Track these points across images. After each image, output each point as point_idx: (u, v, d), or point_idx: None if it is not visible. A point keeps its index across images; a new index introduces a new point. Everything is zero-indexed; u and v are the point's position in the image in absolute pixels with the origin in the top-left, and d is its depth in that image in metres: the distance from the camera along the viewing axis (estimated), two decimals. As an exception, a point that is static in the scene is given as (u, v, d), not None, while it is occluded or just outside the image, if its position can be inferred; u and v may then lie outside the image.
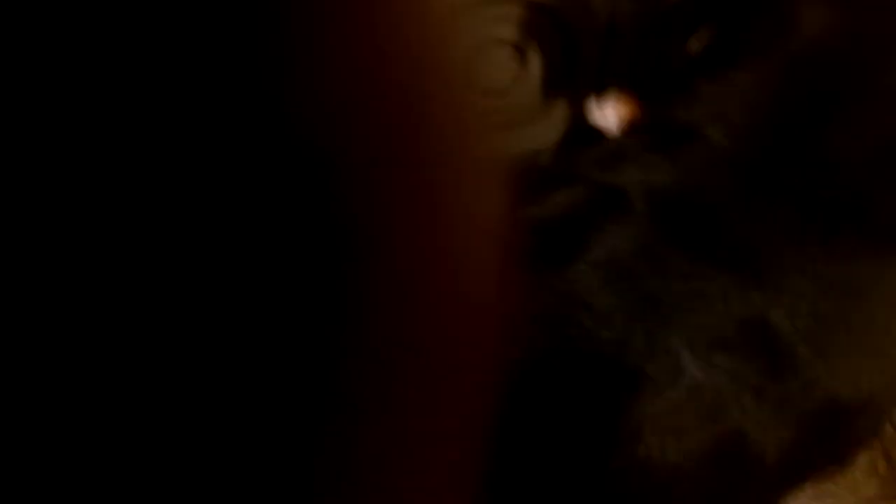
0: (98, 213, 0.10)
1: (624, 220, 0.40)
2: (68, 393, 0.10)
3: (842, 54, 0.41)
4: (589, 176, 0.42)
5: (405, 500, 0.13)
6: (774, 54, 0.41)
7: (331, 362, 0.11)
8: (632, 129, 0.47)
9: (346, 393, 0.12)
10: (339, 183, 0.11)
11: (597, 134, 0.50)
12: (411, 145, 0.12)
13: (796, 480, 0.44)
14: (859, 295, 0.40)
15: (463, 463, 0.14)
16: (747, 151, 0.40)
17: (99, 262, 0.10)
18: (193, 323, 0.10)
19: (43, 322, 0.10)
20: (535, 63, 0.56)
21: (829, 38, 0.42)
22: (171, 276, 0.10)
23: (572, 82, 0.52)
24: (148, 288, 0.10)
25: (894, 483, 0.64)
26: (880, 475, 0.64)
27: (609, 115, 0.51)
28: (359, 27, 0.11)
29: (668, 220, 0.39)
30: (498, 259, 0.13)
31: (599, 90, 0.51)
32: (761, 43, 0.42)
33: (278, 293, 0.11)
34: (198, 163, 0.10)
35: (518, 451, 0.35)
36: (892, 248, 0.41)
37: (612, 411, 0.35)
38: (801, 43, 0.41)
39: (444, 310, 0.13)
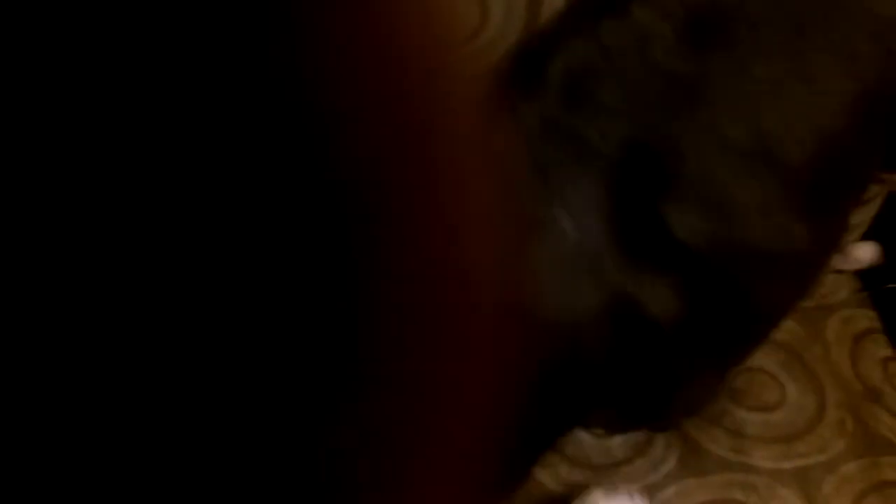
0: (107, 206, 0.09)
1: (538, 96, 0.41)
2: (74, 393, 0.10)
3: None
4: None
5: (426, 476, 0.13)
6: None
7: (345, 345, 0.11)
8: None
9: (360, 372, 0.11)
10: (351, 172, 0.11)
11: None
12: (420, 134, 0.12)
13: (700, 349, 0.43)
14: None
15: (476, 442, 0.14)
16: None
17: (107, 257, 0.10)
18: (208, 315, 0.10)
19: (50, 321, 0.09)
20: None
21: None
22: (182, 269, 0.10)
23: None
24: (160, 282, 0.10)
25: (862, 440, 0.64)
26: (848, 433, 0.64)
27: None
28: (367, 21, 0.11)
29: (570, 95, 0.40)
30: (496, 236, 0.13)
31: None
32: None
33: (289, 286, 0.11)
34: (208, 155, 0.10)
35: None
36: None
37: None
38: None
39: (454, 298, 0.13)
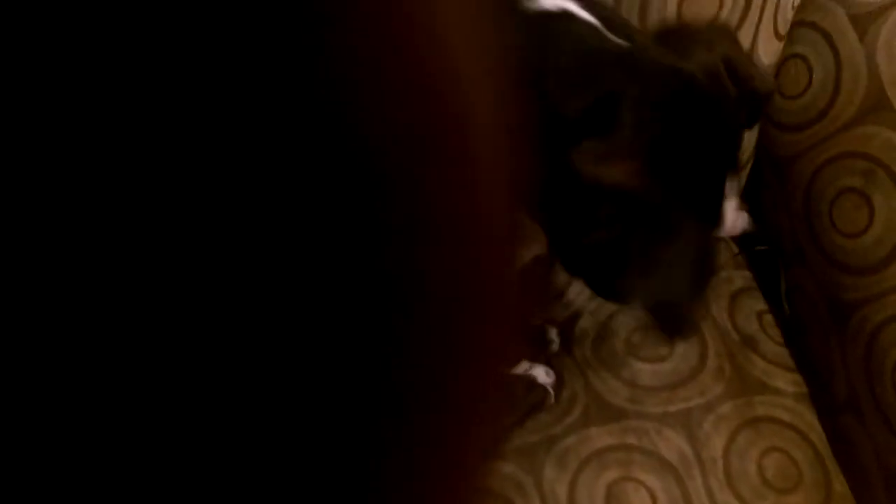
0: (115, 206, 0.09)
1: None
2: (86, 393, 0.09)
3: None
4: None
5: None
6: None
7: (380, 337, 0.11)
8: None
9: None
10: (379, 171, 0.10)
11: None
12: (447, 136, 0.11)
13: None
14: None
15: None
16: None
17: (112, 258, 0.09)
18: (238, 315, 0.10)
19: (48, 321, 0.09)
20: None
21: None
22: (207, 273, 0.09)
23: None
24: (191, 284, 0.09)
25: (739, 383, 0.74)
26: (727, 377, 0.74)
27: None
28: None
29: None
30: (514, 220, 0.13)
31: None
32: None
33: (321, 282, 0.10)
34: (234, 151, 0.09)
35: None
36: None
37: None
38: None
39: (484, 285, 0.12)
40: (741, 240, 0.81)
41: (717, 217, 0.55)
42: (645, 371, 0.72)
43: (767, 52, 0.73)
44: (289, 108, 0.10)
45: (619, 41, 0.49)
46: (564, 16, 0.48)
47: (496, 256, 0.13)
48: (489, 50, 0.13)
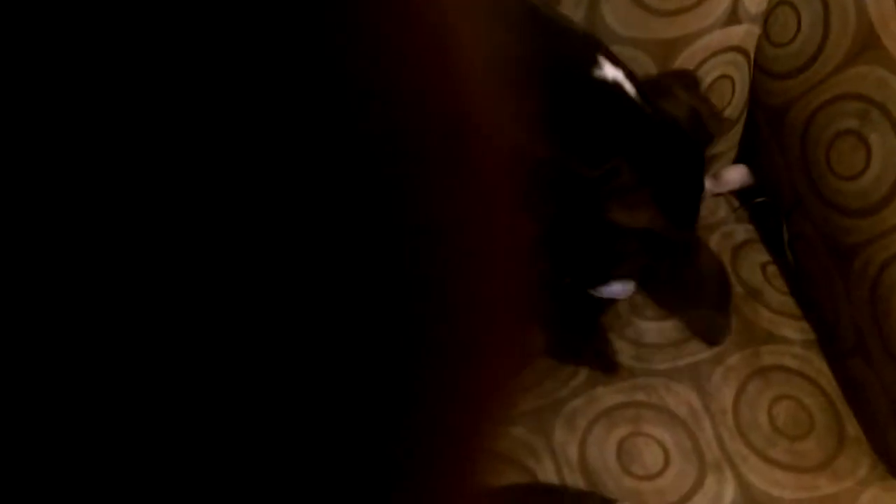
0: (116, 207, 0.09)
1: None
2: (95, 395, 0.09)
3: None
4: None
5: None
6: None
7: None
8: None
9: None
10: (394, 167, 0.11)
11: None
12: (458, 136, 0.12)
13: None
14: None
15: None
16: None
17: (118, 258, 0.09)
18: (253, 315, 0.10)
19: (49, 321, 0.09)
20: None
21: None
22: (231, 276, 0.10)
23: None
24: (206, 290, 0.09)
25: (745, 334, 0.74)
26: (733, 329, 0.74)
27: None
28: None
29: None
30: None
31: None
32: None
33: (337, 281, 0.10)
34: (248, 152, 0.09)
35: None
36: None
37: None
38: None
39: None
40: (741, 193, 0.81)
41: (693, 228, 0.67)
42: (650, 329, 0.73)
43: (754, 1, 0.72)
44: (297, 115, 0.10)
45: (640, 103, 0.61)
46: (615, 85, 0.60)
47: (503, 255, 0.13)
48: (497, 66, 0.13)
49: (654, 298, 0.70)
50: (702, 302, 0.70)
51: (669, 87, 0.65)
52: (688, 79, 0.68)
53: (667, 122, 0.62)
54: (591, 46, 0.61)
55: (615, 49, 0.70)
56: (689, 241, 0.64)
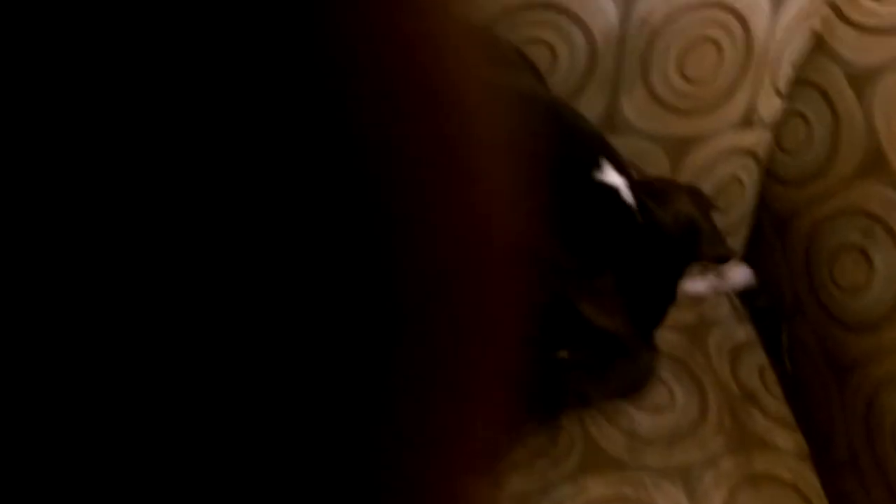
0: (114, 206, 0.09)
1: None
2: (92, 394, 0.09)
3: None
4: None
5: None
6: None
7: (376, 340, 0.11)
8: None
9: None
10: (375, 162, 0.11)
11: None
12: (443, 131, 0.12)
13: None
14: None
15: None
16: None
17: (117, 258, 0.09)
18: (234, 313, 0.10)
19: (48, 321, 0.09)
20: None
21: None
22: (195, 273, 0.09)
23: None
24: (191, 289, 0.09)
25: (739, 438, 0.73)
26: (727, 432, 0.73)
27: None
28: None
29: None
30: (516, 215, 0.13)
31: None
32: None
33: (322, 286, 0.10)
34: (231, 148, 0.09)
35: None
36: None
37: None
38: None
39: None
40: (743, 294, 0.81)
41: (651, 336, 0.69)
42: (644, 421, 0.71)
43: (767, 108, 0.74)
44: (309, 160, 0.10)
45: (634, 211, 0.63)
46: (612, 191, 0.62)
47: (493, 317, 0.13)
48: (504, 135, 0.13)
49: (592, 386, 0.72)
50: (622, 390, 0.73)
51: (676, 195, 0.67)
52: (700, 197, 0.70)
53: (654, 232, 0.64)
54: (597, 147, 0.63)
55: (631, 140, 0.71)
56: (636, 344, 0.67)
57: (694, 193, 0.68)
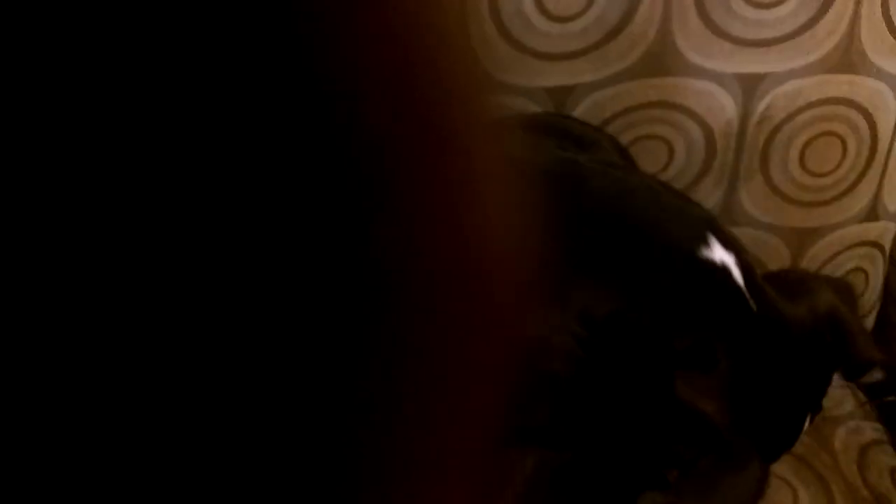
0: (110, 204, 0.09)
1: None
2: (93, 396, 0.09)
3: None
4: None
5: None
6: None
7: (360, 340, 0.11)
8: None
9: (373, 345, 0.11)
10: (361, 137, 0.10)
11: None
12: (428, 106, 0.12)
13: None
14: None
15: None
16: None
17: (113, 257, 0.09)
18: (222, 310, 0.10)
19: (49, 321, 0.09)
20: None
21: None
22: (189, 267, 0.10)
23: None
24: (181, 276, 0.09)
25: None
26: None
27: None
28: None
29: None
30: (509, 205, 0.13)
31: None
32: None
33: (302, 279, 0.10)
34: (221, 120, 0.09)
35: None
36: None
37: None
38: None
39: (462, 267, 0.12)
40: (870, 388, 0.77)
41: (780, 454, 0.61)
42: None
43: (893, 200, 0.72)
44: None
45: (745, 293, 0.57)
46: (721, 270, 0.57)
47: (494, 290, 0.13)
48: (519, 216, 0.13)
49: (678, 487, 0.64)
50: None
51: (815, 288, 0.61)
52: (847, 292, 0.64)
53: (772, 321, 0.57)
54: (704, 225, 0.59)
55: (750, 231, 0.70)
56: (742, 450, 0.59)
57: (841, 288, 0.62)
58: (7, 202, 0.09)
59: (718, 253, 0.58)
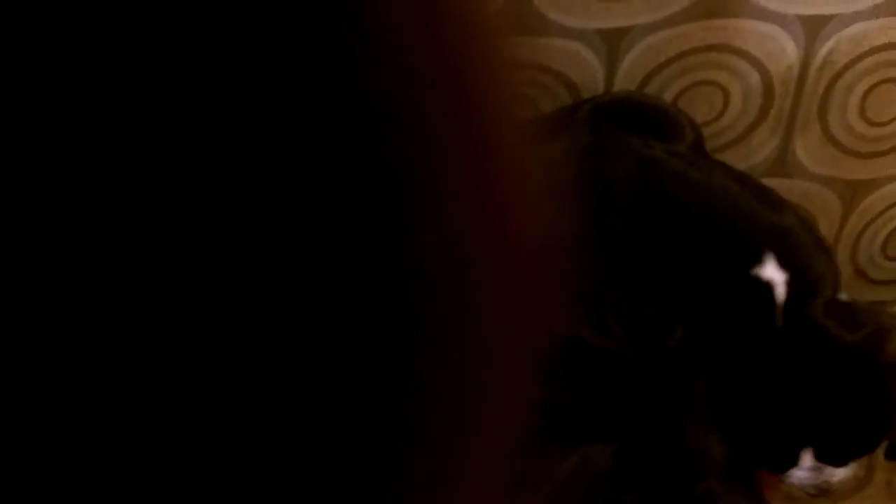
0: (112, 204, 0.09)
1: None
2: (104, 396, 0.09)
3: None
4: None
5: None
6: None
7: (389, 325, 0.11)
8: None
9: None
10: (393, 132, 0.11)
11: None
12: (460, 103, 0.12)
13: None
14: None
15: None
16: None
17: (117, 258, 0.09)
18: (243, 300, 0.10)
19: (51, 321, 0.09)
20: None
21: None
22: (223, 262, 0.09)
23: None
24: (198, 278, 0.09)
25: None
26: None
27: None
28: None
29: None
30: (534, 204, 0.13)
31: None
32: None
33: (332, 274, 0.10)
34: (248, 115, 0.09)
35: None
36: None
37: None
38: None
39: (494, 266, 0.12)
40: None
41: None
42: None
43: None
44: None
45: (780, 312, 0.57)
46: (764, 287, 0.56)
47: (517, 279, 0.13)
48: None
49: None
50: None
51: (882, 322, 0.58)
52: None
53: (801, 337, 0.56)
54: (766, 241, 0.57)
55: (801, 184, 0.68)
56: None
57: None
58: (8, 202, 0.09)
59: (769, 271, 0.57)
